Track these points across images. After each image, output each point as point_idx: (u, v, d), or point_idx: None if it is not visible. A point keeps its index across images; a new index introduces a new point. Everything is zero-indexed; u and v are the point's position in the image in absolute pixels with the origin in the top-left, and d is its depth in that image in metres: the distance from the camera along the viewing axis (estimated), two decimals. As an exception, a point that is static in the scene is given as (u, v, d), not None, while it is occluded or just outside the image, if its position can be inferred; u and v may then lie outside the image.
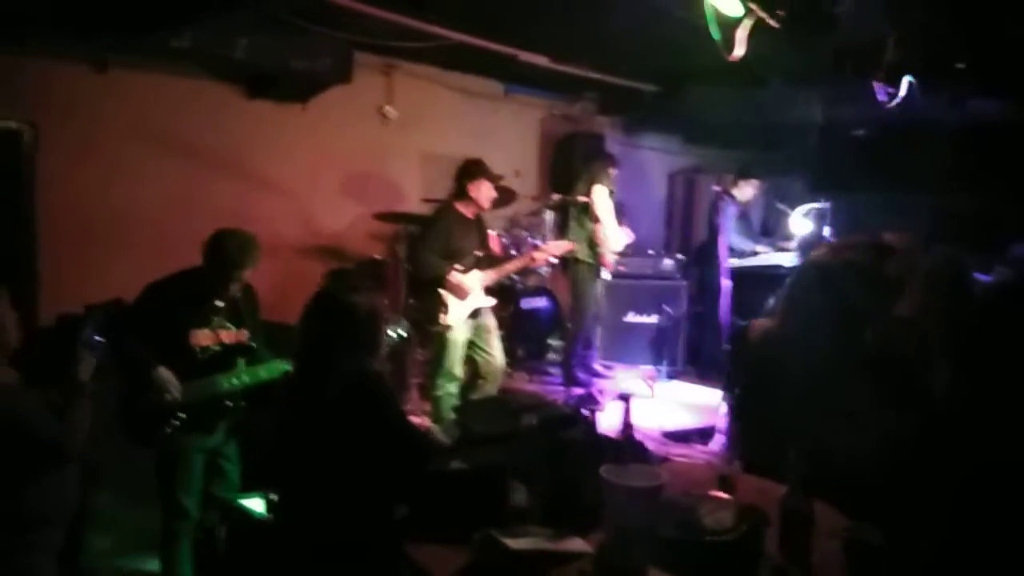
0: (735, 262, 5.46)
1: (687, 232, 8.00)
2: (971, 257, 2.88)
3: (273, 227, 4.84)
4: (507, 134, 6.80)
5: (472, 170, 4.31)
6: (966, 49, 4.26)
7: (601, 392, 5.21)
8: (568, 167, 5.73)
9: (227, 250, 2.83)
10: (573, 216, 5.11)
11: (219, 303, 2.92)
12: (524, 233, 5.69)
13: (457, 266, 4.26)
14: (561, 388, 4.97)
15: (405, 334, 3.33)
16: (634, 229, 5.35)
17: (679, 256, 6.31)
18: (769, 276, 5.14)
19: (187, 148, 4.95)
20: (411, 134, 6.13)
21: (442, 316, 4.24)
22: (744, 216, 5.92)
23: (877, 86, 4.13)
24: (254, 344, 3.00)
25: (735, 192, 5.67)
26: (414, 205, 5.90)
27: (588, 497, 1.82)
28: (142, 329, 2.76)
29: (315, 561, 1.99)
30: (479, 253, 4.41)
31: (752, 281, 5.17)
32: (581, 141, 6.71)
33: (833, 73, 4.32)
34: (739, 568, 1.68)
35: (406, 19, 4.44)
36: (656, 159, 7.91)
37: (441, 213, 4.44)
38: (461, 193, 4.33)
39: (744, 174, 5.76)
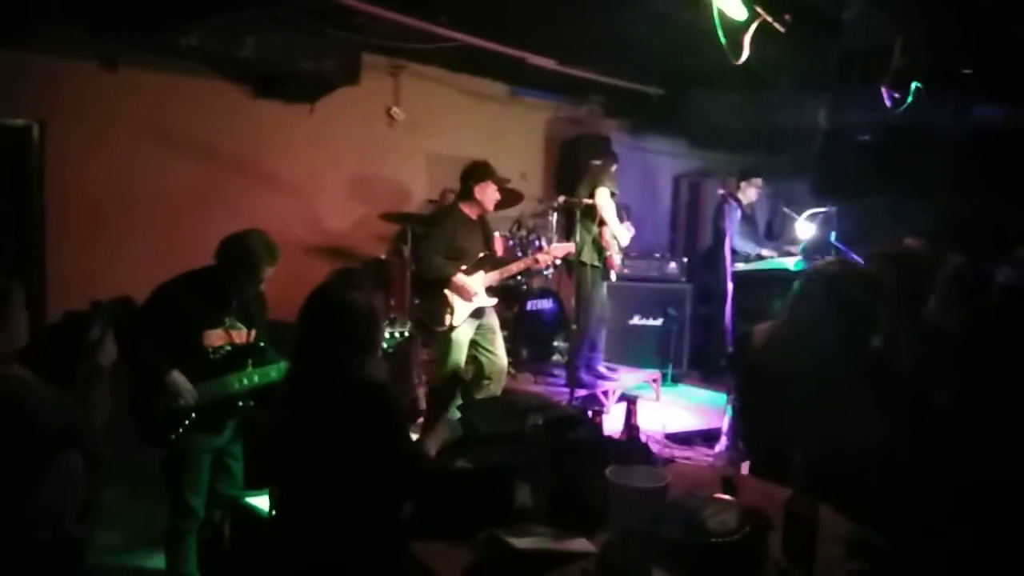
0: (740, 266, 5.47)
1: (692, 235, 8.02)
2: (987, 263, 2.89)
3: (280, 226, 4.82)
4: (513, 136, 6.82)
5: (478, 172, 4.32)
6: (972, 55, 4.26)
7: (606, 394, 5.22)
8: (574, 169, 5.75)
9: (256, 251, 2.84)
10: (578, 219, 5.12)
11: (232, 303, 2.94)
12: (530, 235, 5.70)
13: (461, 267, 4.28)
14: (565, 389, 4.98)
15: (407, 333, 3.35)
16: (639, 232, 5.36)
17: (684, 259, 6.32)
18: (773, 280, 5.14)
19: (195, 147, 4.98)
20: (418, 135, 6.15)
21: (447, 316, 4.25)
22: (748, 219, 5.93)
23: (883, 91, 4.14)
24: (263, 344, 3.01)
25: (739, 195, 5.68)
26: (420, 206, 5.92)
27: (592, 498, 1.83)
28: (154, 330, 2.77)
29: (320, 559, 1.99)
30: (483, 254, 4.43)
31: (756, 285, 5.18)
32: (587, 143, 6.72)
33: (839, 78, 4.32)
34: (742, 570, 1.68)
35: (414, 21, 4.46)
36: (661, 162, 7.92)
37: (446, 214, 4.46)
38: (466, 194, 4.35)
39: (746, 175, 5.78)
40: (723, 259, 5.40)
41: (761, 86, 5.00)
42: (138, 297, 3.02)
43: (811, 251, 5.54)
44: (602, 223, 4.92)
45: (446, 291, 4.26)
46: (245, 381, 2.89)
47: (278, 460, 2.11)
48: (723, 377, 5.32)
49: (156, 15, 3.87)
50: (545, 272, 5.64)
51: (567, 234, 5.29)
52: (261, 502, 2.83)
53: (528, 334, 5.79)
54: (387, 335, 3.03)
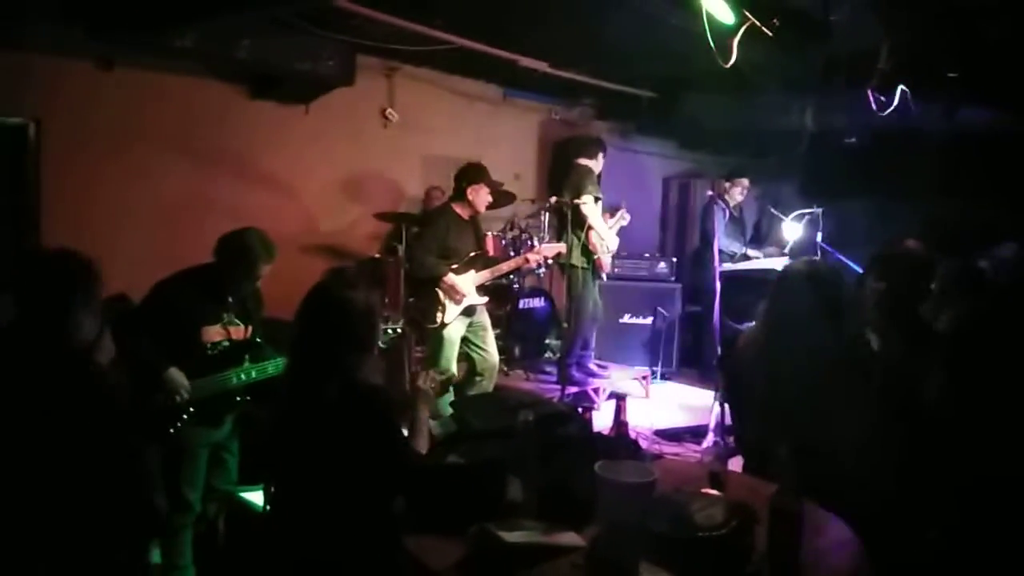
0: (728, 266, 5.53)
1: (682, 235, 8.07)
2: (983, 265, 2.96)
3: (274, 225, 4.81)
4: (507, 137, 6.86)
5: (472, 174, 4.38)
6: (958, 58, 4.32)
7: (596, 391, 5.28)
8: (566, 170, 5.78)
9: (253, 248, 2.88)
10: (568, 221, 5.17)
11: (230, 300, 2.97)
12: (522, 235, 5.74)
13: (452, 265, 4.33)
14: (557, 387, 5.03)
15: (400, 329, 3.38)
16: (630, 231, 5.40)
17: (673, 259, 6.38)
18: (760, 280, 5.21)
19: (190, 147, 4.98)
20: (412, 136, 6.18)
21: (438, 314, 4.30)
22: (735, 220, 5.98)
23: (869, 94, 4.20)
24: (259, 340, 3.05)
25: (726, 195, 5.74)
26: (414, 206, 5.95)
27: (582, 492, 1.87)
28: (153, 327, 2.80)
29: (313, 553, 2.02)
30: (474, 253, 4.48)
31: (743, 284, 5.23)
32: (579, 145, 6.76)
33: (825, 81, 4.37)
34: (729, 564, 1.71)
35: (409, 23, 4.49)
36: (652, 163, 7.98)
37: (438, 214, 4.52)
38: (459, 195, 4.40)
39: (732, 176, 5.84)
40: (710, 259, 5.47)
41: (749, 89, 5.05)
42: (134, 295, 3.04)
43: (798, 253, 5.60)
44: (589, 228, 4.97)
45: (438, 289, 4.32)
46: (243, 376, 2.92)
47: (274, 455, 2.13)
48: (711, 375, 5.38)
49: (153, 16, 3.88)
50: (537, 271, 5.69)
51: (559, 235, 5.33)
52: (256, 497, 2.87)
53: (520, 332, 5.84)
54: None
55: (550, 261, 5.21)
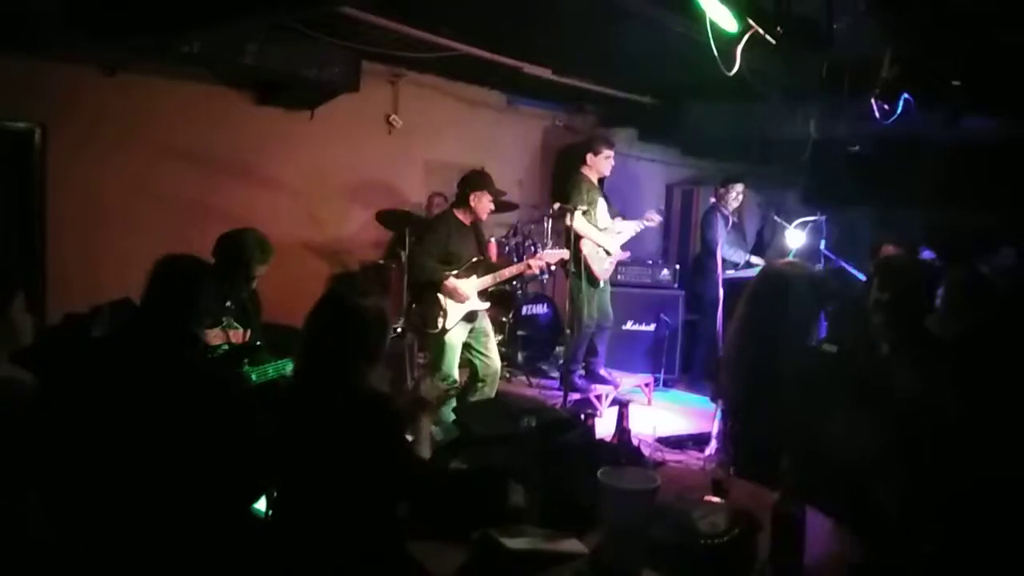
0: (731, 273, 5.53)
1: (685, 242, 8.07)
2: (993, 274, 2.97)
3: (279, 231, 4.86)
4: (510, 144, 6.88)
5: (475, 181, 4.40)
6: (961, 66, 4.32)
7: (599, 398, 5.27)
8: (569, 177, 5.80)
9: (248, 248, 2.89)
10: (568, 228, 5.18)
11: (229, 304, 2.97)
12: (525, 240, 5.75)
13: (453, 271, 4.35)
14: (559, 393, 5.02)
15: (399, 329, 3.39)
16: (632, 239, 5.39)
17: (676, 266, 6.38)
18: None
19: (195, 152, 5.01)
20: (416, 142, 6.20)
21: (439, 319, 4.32)
22: (735, 226, 5.97)
23: (873, 102, 4.20)
24: (259, 343, 3.05)
25: (724, 202, 5.73)
26: (417, 212, 5.97)
27: (585, 499, 1.87)
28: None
29: (317, 559, 2.02)
30: (476, 259, 4.49)
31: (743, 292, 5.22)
32: (582, 151, 6.78)
33: (828, 89, 4.38)
34: (732, 571, 1.72)
35: (414, 30, 4.51)
36: (655, 170, 7.98)
37: (440, 219, 4.54)
38: (462, 201, 4.42)
39: (727, 181, 5.82)
40: (712, 268, 5.46)
41: (753, 97, 5.06)
42: (138, 300, 3.05)
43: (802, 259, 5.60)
44: (578, 237, 4.98)
45: (439, 294, 4.33)
46: None
47: (281, 461, 2.13)
48: (710, 383, 5.37)
49: (159, 22, 3.90)
50: (540, 277, 5.69)
51: (565, 241, 5.34)
52: (258, 503, 2.86)
53: (523, 338, 5.84)
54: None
55: (553, 267, 5.21)
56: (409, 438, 2.17)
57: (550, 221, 5.83)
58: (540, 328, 5.93)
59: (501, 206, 4.91)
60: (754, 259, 5.87)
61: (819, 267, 5.74)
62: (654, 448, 4.21)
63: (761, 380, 2.46)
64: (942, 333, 2.60)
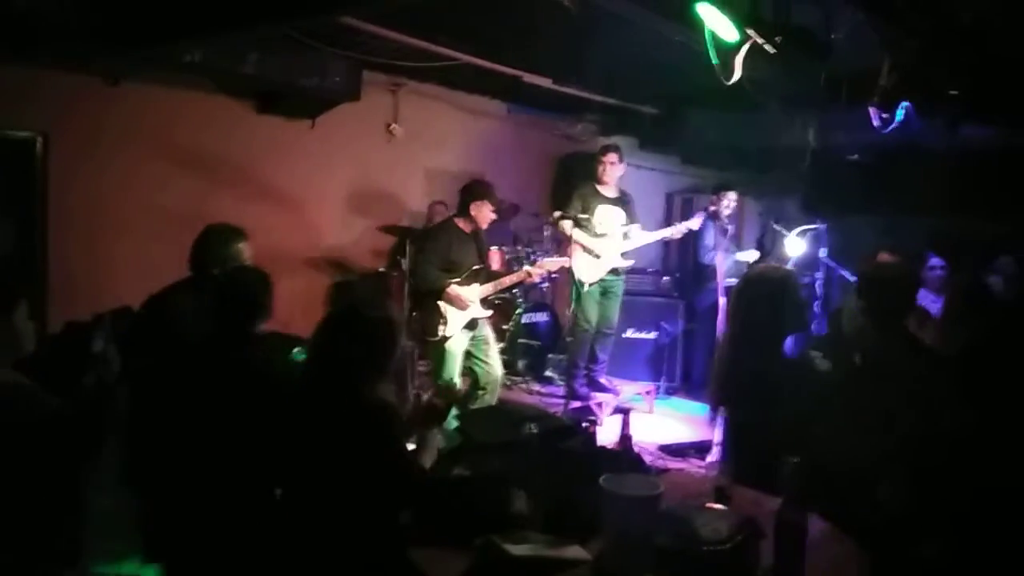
0: (732, 281, 5.53)
1: (684, 251, 8.07)
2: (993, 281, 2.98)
3: (280, 240, 4.91)
4: (510, 153, 6.90)
5: (477, 191, 4.43)
6: (960, 75, 4.34)
7: (600, 405, 5.27)
8: (569, 185, 5.82)
9: (220, 233, 2.96)
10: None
11: None
12: (525, 249, 5.77)
13: (455, 279, 4.36)
14: (560, 400, 5.02)
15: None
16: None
17: (677, 274, 6.40)
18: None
19: (197, 161, 5.03)
20: (416, 151, 6.22)
21: (440, 327, 4.33)
22: (724, 232, 5.96)
23: (872, 111, 4.22)
24: None
25: (718, 210, 5.74)
26: (418, 221, 5.98)
27: (587, 506, 1.87)
28: (150, 340, 2.81)
29: (319, 565, 2.02)
30: (477, 267, 4.51)
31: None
32: (582, 160, 6.81)
33: (827, 98, 4.40)
34: (734, 577, 1.73)
35: (414, 40, 4.54)
36: (655, 179, 8.01)
37: (441, 228, 4.57)
38: (463, 210, 4.45)
39: (719, 189, 5.83)
40: (704, 276, 5.47)
41: (752, 106, 5.08)
42: (138, 307, 3.06)
43: (801, 268, 5.61)
44: (570, 244, 5.00)
45: (440, 302, 4.35)
46: None
47: (286, 466, 2.14)
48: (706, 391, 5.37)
49: (160, 32, 3.92)
50: (540, 285, 5.69)
51: (564, 248, 5.35)
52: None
53: (524, 346, 5.84)
54: None
55: (554, 275, 5.22)
56: (412, 446, 2.17)
57: (550, 229, 5.84)
58: (541, 336, 5.93)
59: (503, 214, 4.93)
60: (739, 256, 5.87)
61: (818, 276, 5.75)
62: (656, 456, 4.21)
63: (756, 385, 2.48)
64: (943, 342, 2.61)
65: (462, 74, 5.44)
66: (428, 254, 4.42)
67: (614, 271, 5.25)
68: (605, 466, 1.95)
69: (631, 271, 6.11)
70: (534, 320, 5.91)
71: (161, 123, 4.87)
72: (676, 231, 5.33)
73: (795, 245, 5.38)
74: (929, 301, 4.55)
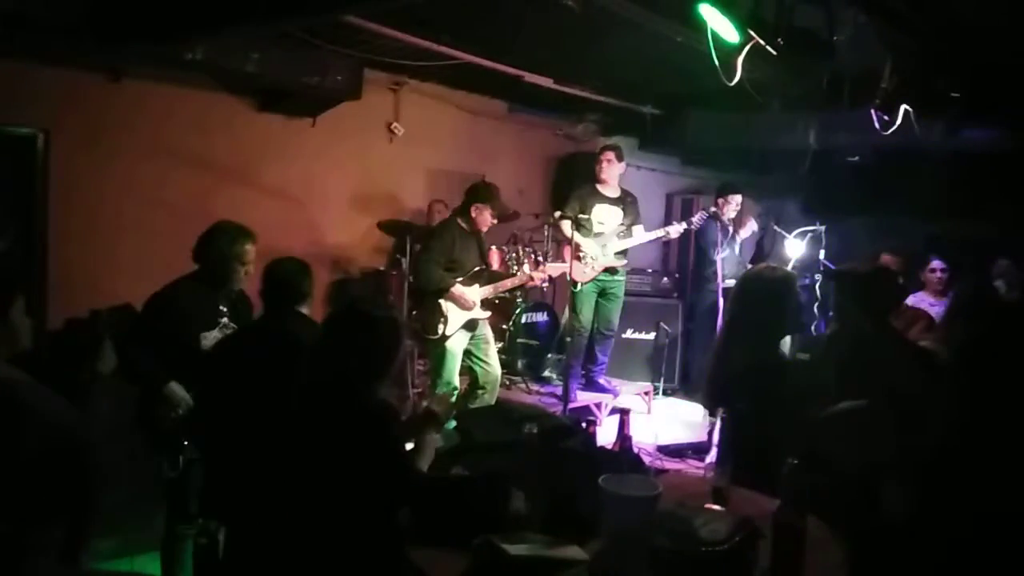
0: (730, 282, 5.53)
1: (684, 251, 8.08)
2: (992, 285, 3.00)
3: (280, 237, 4.89)
4: (511, 152, 6.90)
5: (480, 195, 4.44)
6: (961, 78, 4.35)
7: (599, 406, 5.27)
8: (570, 186, 5.83)
9: (227, 231, 2.95)
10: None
11: (222, 307, 2.98)
12: (525, 248, 5.77)
13: (458, 279, 4.37)
14: (559, 400, 5.02)
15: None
16: (632, 248, 5.39)
17: (676, 275, 6.40)
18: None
19: (198, 158, 5.02)
20: (417, 150, 6.21)
21: (440, 326, 4.33)
22: (730, 235, 5.97)
23: (873, 113, 4.22)
24: None
25: (721, 211, 5.74)
26: (418, 220, 5.98)
27: (586, 506, 1.87)
28: (152, 339, 2.81)
29: (318, 566, 2.02)
30: (478, 268, 4.52)
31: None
32: (583, 160, 6.80)
33: (829, 100, 4.41)
34: (732, 579, 1.73)
35: (416, 39, 4.54)
36: (655, 179, 8.00)
37: (444, 226, 4.57)
38: (464, 211, 4.46)
39: (723, 191, 5.82)
40: (705, 276, 5.47)
41: (753, 107, 5.09)
42: (138, 305, 3.06)
43: (802, 269, 5.61)
44: (566, 244, 5.01)
45: (440, 301, 4.35)
46: None
47: (285, 466, 2.14)
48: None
49: (162, 29, 3.92)
50: (541, 286, 5.69)
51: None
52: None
53: (522, 345, 5.84)
54: None
55: (554, 278, 5.24)
56: (409, 446, 2.17)
57: (550, 230, 5.85)
58: (540, 336, 5.93)
59: (506, 214, 4.93)
60: (749, 265, 5.87)
61: (818, 277, 5.76)
62: (654, 457, 4.21)
63: (752, 386, 2.49)
64: (945, 345, 2.61)
65: (463, 73, 5.44)
66: (432, 253, 4.43)
67: (611, 271, 5.23)
68: (604, 466, 1.95)
69: (631, 271, 6.12)
70: (533, 320, 5.91)
71: (162, 120, 4.86)
72: (674, 231, 5.32)
73: (795, 247, 5.38)
74: (927, 304, 4.56)
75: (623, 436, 2.21)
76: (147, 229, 4.79)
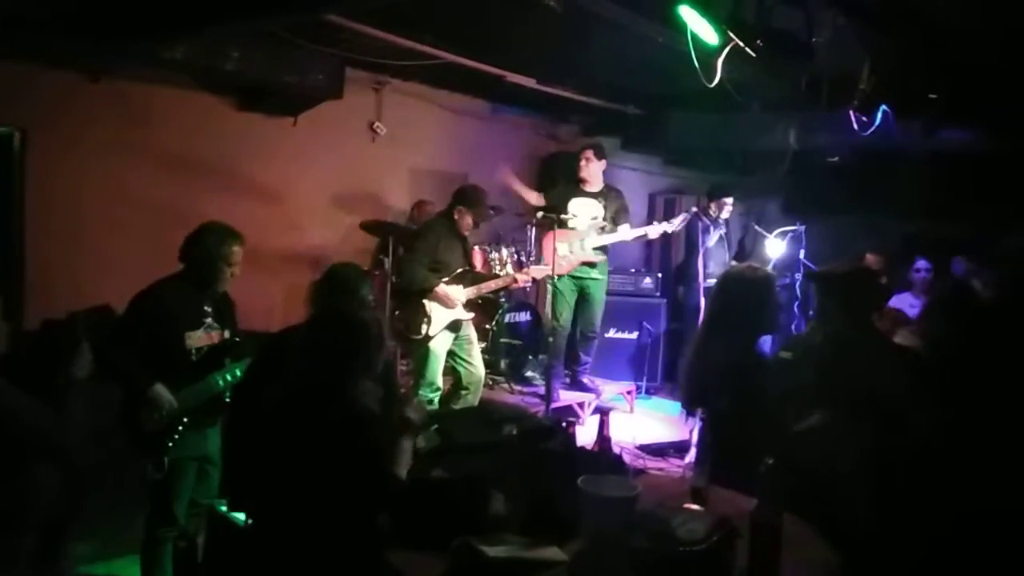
0: (712, 282, 5.57)
1: (667, 251, 8.13)
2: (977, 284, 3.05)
3: (261, 237, 4.84)
4: (494, 152, 6.88)
5: (467, 197, 4.47)
6: (939, 79, 4.41)
7: (581, 405, 5.29)
8: (552, 185, 5.84)
9: (217, 231, 2.93)
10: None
11: (207, 307, 2.96)
12: (507, 248, 5.77)
13: (443, 279, 4.37)
14: (541, 400, 5.03)
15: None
16: (614, 247, 5.40)
17: (659, 274, 6.43)
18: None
19: (177, 158, 4.97)
20: (400, 150, 6.19)
21: (423, 326, 4.33)
22: (721, 236, 6.02)
23: (851, 114, 4.27)
24: (238, 339, 3.05)
25: (711, 212, 5.78)
26: (401, 220, 5.96)
27: (565, 507, 1.88)
28: (136, 339, 2.79)
29: (297, 568, 2.01)
30: (462, 269, 4.52)
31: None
32: (565, 160, 6.81)
33: (808, 101, 4.44)
34: (710, 578, 1.74)
35: (398, 38, 4.52)
36: (637, 179, 8.04)
37: (429, 227, 4.58)
38: (449, 212, 4.48)
39: (713, 194, 5.87)
40: (691, 275, 5.49)
41: (734, 108, 5.12)
42: (120, 306, 3.03)
43: (782, 269, 5.66)
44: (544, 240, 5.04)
45: (424, 301, 4.35)
46: (228, 377, 2.94)
47: (264, 469, 2.13)
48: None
49: (141, 27, 3.89)
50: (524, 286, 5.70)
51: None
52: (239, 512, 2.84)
53: (506, 346, 5.85)
54: None
55: (537, 279, 5.23)
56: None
57: (532, 229, 5.85)
58: (523, 336, 5.94)
59: (485, 215, 4.93)
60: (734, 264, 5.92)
61: (798, 277, 5.81)
62: (635, 456, 4.23)
63: (730, 385, 2.51)
64: (922, 342, 2.65)
65: (446, 73, 5.43)
66: (416, 253, 4.43)
67: (590, 265, 5.22)
68: (583, 467, 1.96)
69: (613, 271, 6.14)
70: (516, 320, 5.92)
71: (141, 120, 4.81)
72: (653, 231, 5.33)
73: (775, 246, 5.43)
74: (907, 305, 4.61)
75: (603, 437, 2.22)
76: (126, 229, 4.75)
